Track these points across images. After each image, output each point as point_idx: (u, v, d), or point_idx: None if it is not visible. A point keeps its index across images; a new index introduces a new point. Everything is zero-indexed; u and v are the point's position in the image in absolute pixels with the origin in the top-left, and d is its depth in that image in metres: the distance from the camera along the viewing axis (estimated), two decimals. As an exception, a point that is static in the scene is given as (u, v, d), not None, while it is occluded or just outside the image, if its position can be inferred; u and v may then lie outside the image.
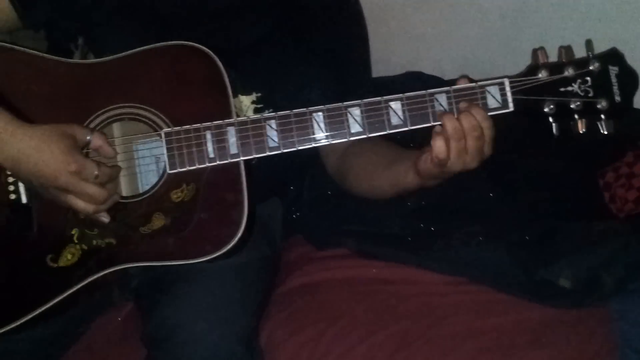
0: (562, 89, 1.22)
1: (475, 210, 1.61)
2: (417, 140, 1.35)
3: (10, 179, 1.36)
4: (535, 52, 1.25)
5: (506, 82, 1.25)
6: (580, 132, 1.23)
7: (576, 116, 1.23)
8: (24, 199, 1.37)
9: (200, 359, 1.31)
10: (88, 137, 1.30)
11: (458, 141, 1.20)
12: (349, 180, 1.51)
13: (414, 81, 1.87)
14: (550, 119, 1.23)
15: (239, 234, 1.31)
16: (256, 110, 1.46)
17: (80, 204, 1.29)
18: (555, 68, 1.23)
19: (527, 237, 1.50)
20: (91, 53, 1.44)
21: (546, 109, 1.23)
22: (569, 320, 1.39)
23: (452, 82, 1.30)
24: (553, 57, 1.26)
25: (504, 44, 1.86)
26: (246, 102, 1.46)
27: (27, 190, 1.36)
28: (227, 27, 1.48)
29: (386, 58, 1.86)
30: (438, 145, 1.21)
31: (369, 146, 1.44)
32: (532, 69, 1.24)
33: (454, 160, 1.21)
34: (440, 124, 1.23)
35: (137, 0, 1.46)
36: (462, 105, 1.24)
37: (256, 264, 1.47)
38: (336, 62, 1.54)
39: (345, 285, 1.54)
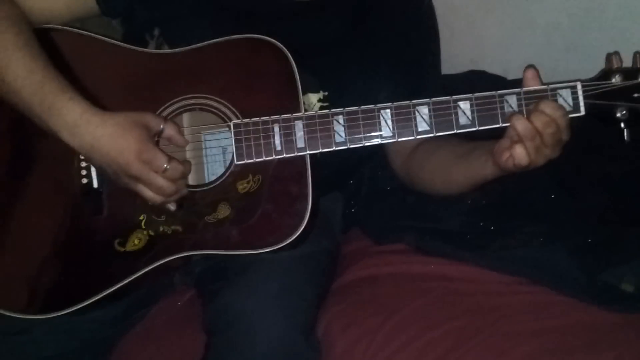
0: (636, 95, 1.21)
1: (537, 211, 1.59)
2: (481, 138, 1.36)
3: (83, 164, 1.40)
4: (609, 56, 1.24)
5: (579, 85, 1.24)
6: (653, 138, 1.23)
7: (649, 123, 1.23)
8: (95, 184, 1.40)
9: (261, 348, 1.32)
10: (161, 126, 1.33)
11: (532, 140, 1.20)
12: (422, 177, 1.51)
13: (477, 80, 1.85)
14: (622, 125, 1.23)
15: (303, 226, 1.33)
16: (322, 109, 1.45)
17: (148, 193, 1.32)
18: (629, 73, 1.22)
19: (589, 240, 1.49)
20: (166, 44, 1.47)
21: (618, 115, 1.22)
22: (630, 325, 1.36)
23: (516, 82, 1.29)
24: (627, 63, 1.25)
25: (570, 46, 1.83)
26: (313, 100, 1.47)
27: (98, 175, 1.39)
28: (302, 25, 1.49)
29: (449, 57, 1.84)
30: (518, 152, 1.21)
31: (440, 142, 1.43)
32: (606, 74, 1.23)
33: (534, 158, 1.22)
34: (508, 125, 1.24)
35: None
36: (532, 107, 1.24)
37: (317, 256, 1.48)
38: (407, 64, 1.54)
39: (403, 280, 1.54)
